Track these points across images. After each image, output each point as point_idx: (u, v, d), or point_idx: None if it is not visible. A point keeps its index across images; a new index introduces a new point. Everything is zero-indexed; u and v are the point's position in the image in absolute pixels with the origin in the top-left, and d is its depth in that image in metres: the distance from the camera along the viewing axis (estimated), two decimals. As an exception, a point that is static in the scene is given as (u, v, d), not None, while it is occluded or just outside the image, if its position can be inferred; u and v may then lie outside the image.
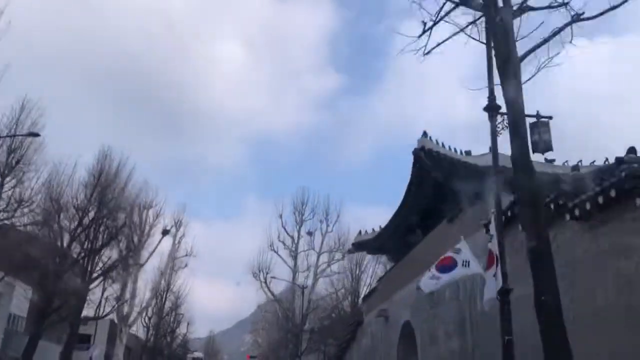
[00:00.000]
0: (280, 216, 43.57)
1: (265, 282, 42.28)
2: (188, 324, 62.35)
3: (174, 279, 53.91)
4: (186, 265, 44.80)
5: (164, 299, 54.08)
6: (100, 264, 26.69)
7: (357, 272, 46.58)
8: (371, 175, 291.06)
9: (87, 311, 29.68)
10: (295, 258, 42.49)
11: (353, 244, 26.44)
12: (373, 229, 25.98)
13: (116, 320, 38.02)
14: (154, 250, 38.93)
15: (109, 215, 25.16)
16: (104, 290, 30.69)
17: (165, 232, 39.88)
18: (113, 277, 28.34)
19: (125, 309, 37.60)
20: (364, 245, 26.23)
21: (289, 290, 45.08)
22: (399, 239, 23.57)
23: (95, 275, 26.35)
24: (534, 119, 10.12)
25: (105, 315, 32.17)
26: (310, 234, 43.03)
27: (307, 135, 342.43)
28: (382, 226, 24.47)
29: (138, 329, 53.39)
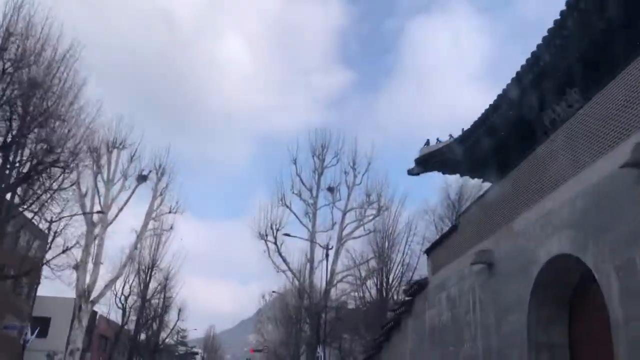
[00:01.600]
0: (294, 162, 33.75)
1: (276, 243, 32.25)
2: (180, 310, 52.57)
3: (161, 253, 44.34)
4: (172, 228, 34.94)
5: (148, 277, 44.38)
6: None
7: (387, 245, 36.87)
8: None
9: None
10: (314, 216, 32.65)
11: (417, 160, 16.63)
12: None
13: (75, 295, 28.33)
14: (126, 202, 29.30)
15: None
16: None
17: (141, 179, 30.17)
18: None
19: (87, 278, 27.93)
20: (432, 159, 16.46)
21: (304, 264, 35.28)
22: (498, 144, 13.97)
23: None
24: None
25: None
26: (331, 190, 33.16)
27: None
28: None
29: (117, 314, 43.76)
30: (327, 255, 29.24)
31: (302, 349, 43.12)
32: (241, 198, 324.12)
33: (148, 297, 45.57)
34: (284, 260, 32.40)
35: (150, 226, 32.38)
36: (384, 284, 35.86)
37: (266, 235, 32.21)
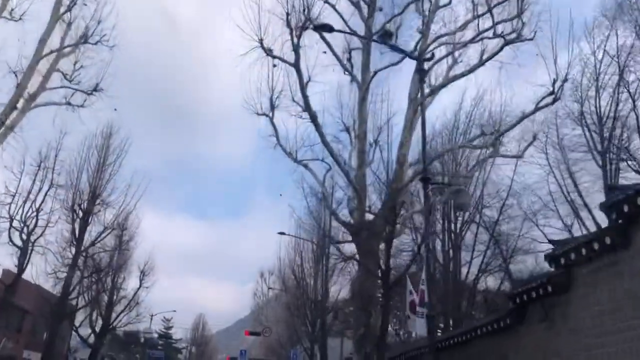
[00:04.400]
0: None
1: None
2: (143, 274, 36.77)
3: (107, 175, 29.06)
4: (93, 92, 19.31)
5: (84, 214, 29.10)
6: None
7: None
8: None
9: None
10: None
11: None
12: None
13: None
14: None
15: None
16: None
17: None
18: None
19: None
20: None
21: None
22: None
23: None
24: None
25: None
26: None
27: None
28: None
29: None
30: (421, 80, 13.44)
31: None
32: (240, 198, 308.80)
33: (85, 244, 29.94)
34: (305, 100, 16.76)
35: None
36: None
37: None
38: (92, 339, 35.32)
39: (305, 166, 18.31)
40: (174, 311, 70.37)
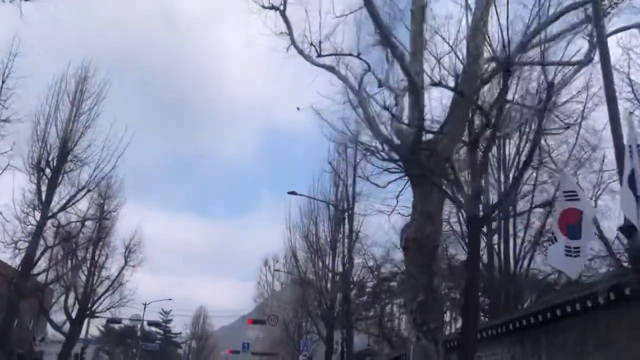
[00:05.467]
0: None
1: None
2: (129, 250, 31.29)
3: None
4: None
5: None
6: None
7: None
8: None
9: None
10: None
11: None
12: None
13: None
14: None
15: None
16: None
17: None
18: None
19: None
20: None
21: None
22: None
23: None
24: None
25: None
26: None
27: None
28: None
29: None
30: None
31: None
32: (243, 196, 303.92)
33: (53, 209, 24.57)
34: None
35: None
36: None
37: None
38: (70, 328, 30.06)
39: (332, 69, 12.82)
40: (170, 299, 65.02)
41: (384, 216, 24.04)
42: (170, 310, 77.36)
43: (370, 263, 22.82)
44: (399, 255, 25.22)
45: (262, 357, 62.25)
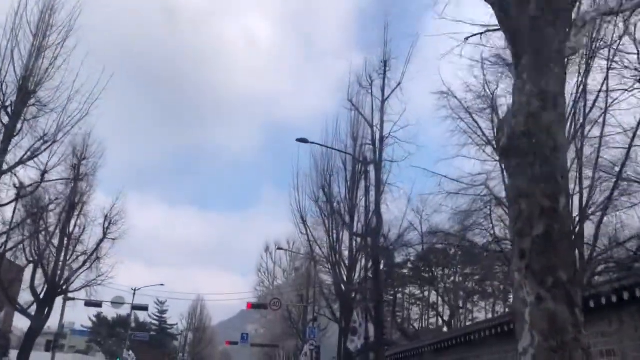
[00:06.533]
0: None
1: None
2: (109, 221, 26.84)
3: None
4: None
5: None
6: None
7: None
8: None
9: None
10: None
11: None
12: None
13: None
14: None
15: None
16: None
17: None
18: None
19: None
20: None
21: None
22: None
23: None
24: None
25: None
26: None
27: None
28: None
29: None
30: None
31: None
32: (247, 190, 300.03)
33: (9, 162, 20.18)
34: None
35: None
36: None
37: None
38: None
39: None
40: (162, 285, 60.58)
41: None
42: (166, 300, 73.32)
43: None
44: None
45: (262, 349, 58.33)
